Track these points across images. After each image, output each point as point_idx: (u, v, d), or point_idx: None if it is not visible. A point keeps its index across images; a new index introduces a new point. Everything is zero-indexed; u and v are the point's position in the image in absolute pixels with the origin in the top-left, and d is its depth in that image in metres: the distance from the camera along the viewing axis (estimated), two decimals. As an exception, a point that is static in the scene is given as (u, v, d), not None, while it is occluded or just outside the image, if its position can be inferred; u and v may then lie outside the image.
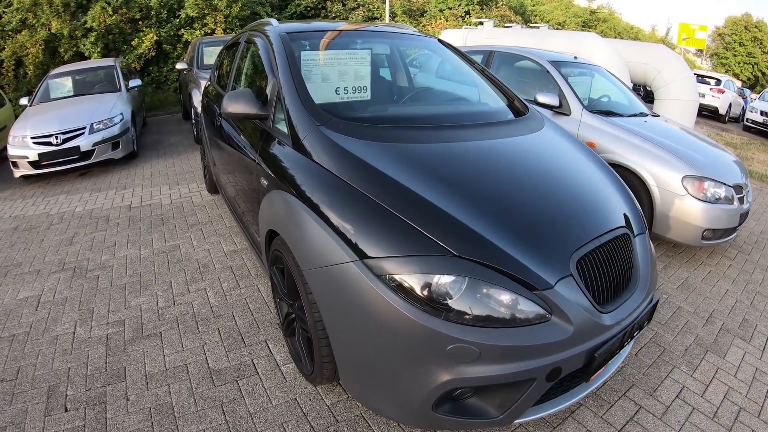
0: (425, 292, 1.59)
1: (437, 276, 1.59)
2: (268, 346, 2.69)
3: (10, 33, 11.57)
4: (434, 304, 1.59)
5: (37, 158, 6.05)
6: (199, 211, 4.84)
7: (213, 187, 5.08)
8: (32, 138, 6.09)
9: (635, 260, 2.02)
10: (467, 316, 1.58)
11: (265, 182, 2.41)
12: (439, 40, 3.39)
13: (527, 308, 1.60)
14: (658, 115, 5.08)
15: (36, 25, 11.52)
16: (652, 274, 2.06)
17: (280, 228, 2.15)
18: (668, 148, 4.02)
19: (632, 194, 2.38)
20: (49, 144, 6.10)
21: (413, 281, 1.60)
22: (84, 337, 2.87)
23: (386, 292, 1.61)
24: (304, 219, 1.92)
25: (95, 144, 6.25)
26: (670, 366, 2.67)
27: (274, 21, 3.15)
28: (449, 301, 1.59)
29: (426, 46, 3.39)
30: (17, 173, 6.19)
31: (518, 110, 2.81)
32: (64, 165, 6.20)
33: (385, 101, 2.99)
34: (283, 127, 2.35)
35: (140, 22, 12.28)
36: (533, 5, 21.84)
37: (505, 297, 1.60)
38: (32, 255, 4.12)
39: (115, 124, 6.50)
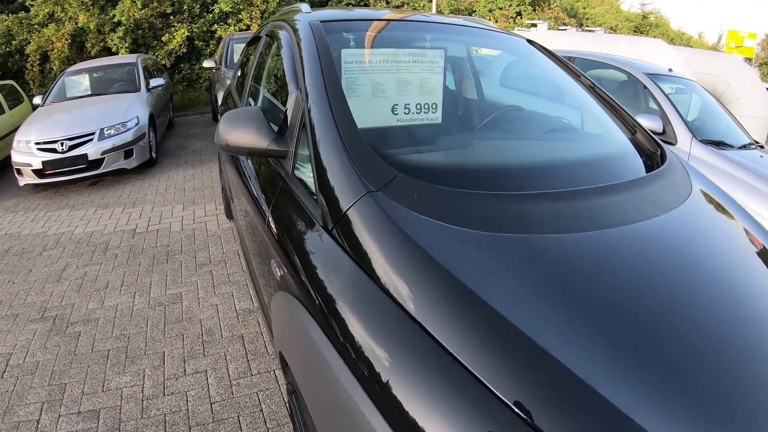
0: None
1: None
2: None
3: (36, 27, 11.14)
4: None
5: (41, 166, 5.40)
6: (213, 243, 4.04)
7: (231, 212, 4.28)
8: (36, 144, 5.44)
9: None
10: None
11: (276, 270, 1.55)
12: (529, 41, 2.46)
13: None
14: (763, 146, 4.05)
15: (63, 18, 11.06)
16: None
17: (294, 369, 1.29)
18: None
19: None
20: (54, 151, 5.44)
21: None
22: (44, 436, 2.11)
23: None
24: (335, 381, 1.04)
25: (105, 152, 5.55)
26: None
27: (305, 6, 2.28)
28: None
29: (512, 47, 2.42)
30: (21, 182, 5.56)
31: (647, 151, 1.88)
32: (71, 175, 5.54)
33: (463, 127, 2.11)
34: (308, 179, 1.46)
35: (171, 17, 11.68)
36: (584, 8, 20.59)
37: None
38: (14, 292, 3.45)
39: (129, 129, 5.79)
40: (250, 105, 2.61)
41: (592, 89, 2.21)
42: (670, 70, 4.53)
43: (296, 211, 1.47)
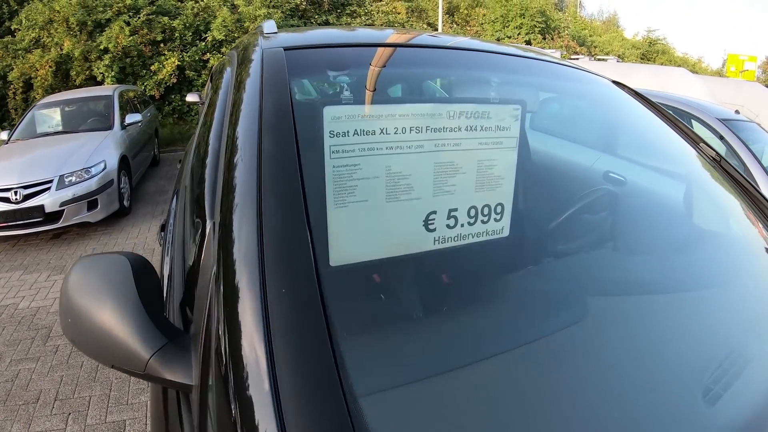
0: None
1: None
2: None
3: (21, 52, 10.50)
4: None
5: (-9, 218, 4.60)
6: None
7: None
8: (-13, 191, 4.65)
9: None
10: None
11: None
12: (616, 83, 1.63)
13: None
14: None
15: (49, 44, 10.42)
16: None
17: None
18: None
19: None
20: (8, 200, 4.64)
21: None
22: None
23: None
24: None
25: (64, 203, 4.75)
26: None
27: (268, 24, 1.41)
28: None
29: (594, 93, 1.58)
30: (-29, 233, 4.75)
31: None
32: (26, 229, 4.73)
33: (547, 249, 1.26)
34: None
35: (162, 45, 11.02)
36: (590, 36, 20.20)
37: None
38: None
39: (93, 176, 4.98)
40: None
41: (719, 162, 1.42)
42: (737, 112, 3.75)
43: None
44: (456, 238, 0.95)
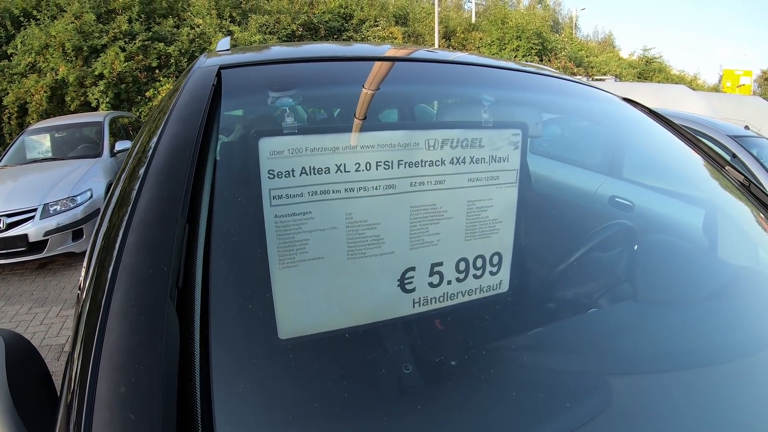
0: None
1: None
2: None
3: (17, 77, 10.47)
4: None
5: (-26, 247, 4.45)
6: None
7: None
8: (-30, 220, 4.49)
9: None
10: None
11: None
12: (627, 100, 1.45)
13: None
14: None
15: (45, 69, 10.40)
16: None
17: None
18: None
19: None
20: (-9, 229, 4.48)
21: None
22: None
23: None
24: None
25: (48, 233, 4.58)
26: None
27: (223, 42, 1.21)
28: None
29: (605, 112, 1.36)
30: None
31: None
32: (9, 258, 4.57)
33: (556, 308, 1.05)
34: None
35: (157, 71, 10.99)
36: (587, 57, 20.30)
37: None
38: None
39: (79, 205, 4.82)
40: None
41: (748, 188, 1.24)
42: (746, 127, 3.62)
43: None
44: (441, 299, 0.76)
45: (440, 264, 0.76)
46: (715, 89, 33.39)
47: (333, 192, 0.69)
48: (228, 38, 1.15)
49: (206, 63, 0.89)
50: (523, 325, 0.86)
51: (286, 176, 0.66)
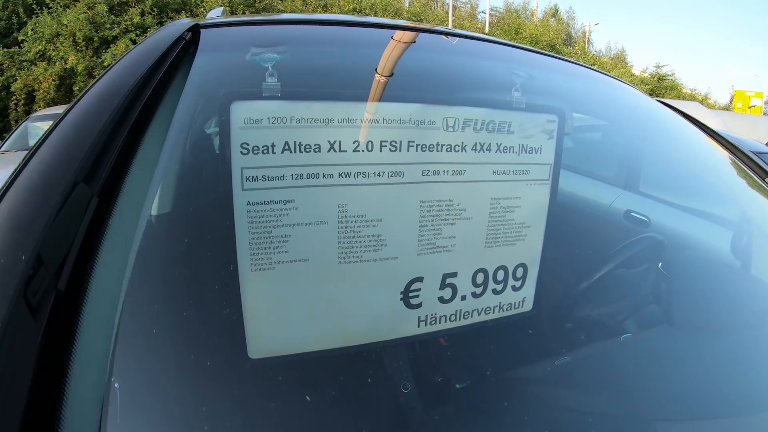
0: None
1: None
2: None
3: (26, 64, 10.44)
4: None
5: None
6: None
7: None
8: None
9: None
10: None
11: None
12: (660, 101, 1.31)
13: None
14: None
15: (54, 57, 10.36)
16: None
17: None
18: None
19: None
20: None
21: None
22: None
23: None
24: None
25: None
26: None
27: (214, 11, 1.13)
28: None
29: (644, 110, 1.20)
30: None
31: None
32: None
33: (589, 330, 0.87)
34: None
35: (167, 63, 10.96)
36: (600, 71, 20.29)
37: None
38: None
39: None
40: None
41: None
42: (767, 144, 3.50)
43: None
44: (453, 317, 0.62)
45: (454, 275, 0.61)
46: (726, 109, 33.35)
47: (324, 176, 0.55)
48: (220, 9, 1.01)
49: (183, 22, 0.75)
50: (551, 351, 0.71)
51: (263, 152, 0.52)
